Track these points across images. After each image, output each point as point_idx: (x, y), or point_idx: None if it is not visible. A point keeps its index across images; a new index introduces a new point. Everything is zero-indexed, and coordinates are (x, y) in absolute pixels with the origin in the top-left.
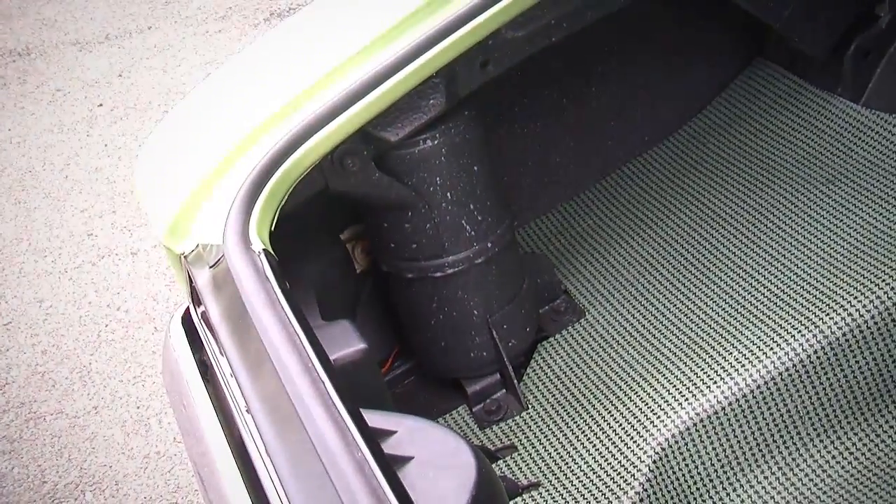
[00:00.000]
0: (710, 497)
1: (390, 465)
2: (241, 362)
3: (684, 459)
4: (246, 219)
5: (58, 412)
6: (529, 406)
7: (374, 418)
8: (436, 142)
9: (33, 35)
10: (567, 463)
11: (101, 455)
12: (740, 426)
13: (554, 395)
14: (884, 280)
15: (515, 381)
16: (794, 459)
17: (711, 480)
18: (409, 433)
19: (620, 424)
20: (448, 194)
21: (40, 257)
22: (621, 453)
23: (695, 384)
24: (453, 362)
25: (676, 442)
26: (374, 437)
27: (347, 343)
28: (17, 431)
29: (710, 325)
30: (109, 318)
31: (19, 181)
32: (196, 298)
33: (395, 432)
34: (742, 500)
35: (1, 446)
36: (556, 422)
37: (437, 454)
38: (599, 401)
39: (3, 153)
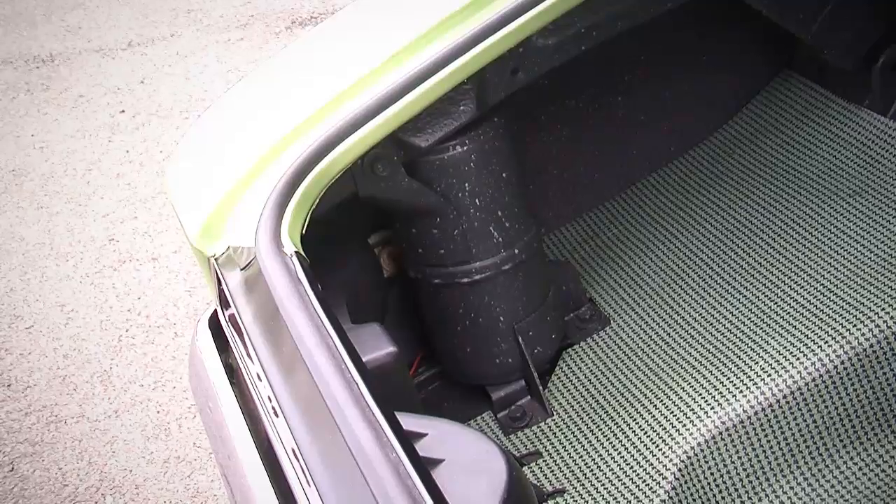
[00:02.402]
0: None
1: (425, 467)
2: (273, 364)
3: (710, 468)
4: (278, 222)
5: (79, 416)
6: (554, 413)
7: (406, 420)
8: (465, 148)
9: (57, 42)
10: (592, 470)
11: (122, 459)
12: (766, 436)
13: (579, 403)
14: None
15: (540, 388)
16: (820, 470)
17: (737, 489)
18: (440, 436)
19: (646, 432)
20: (476, 201)
21: (62, 262)
22: (647, 461)
23: (720, 393)
24: (479, 368)
25: (702, 450)
26: (408, 439)
27: (378, 346)
28: (38, 434)
29: (735, 335)
30: (130, 322)
31: (42, 186)
32: (224, 301)
33: (426, 435)
34: None
35: (23, 449)
36: (581, 429)
37: (469, 457)
38: (625, 408)
39: (26, 158)
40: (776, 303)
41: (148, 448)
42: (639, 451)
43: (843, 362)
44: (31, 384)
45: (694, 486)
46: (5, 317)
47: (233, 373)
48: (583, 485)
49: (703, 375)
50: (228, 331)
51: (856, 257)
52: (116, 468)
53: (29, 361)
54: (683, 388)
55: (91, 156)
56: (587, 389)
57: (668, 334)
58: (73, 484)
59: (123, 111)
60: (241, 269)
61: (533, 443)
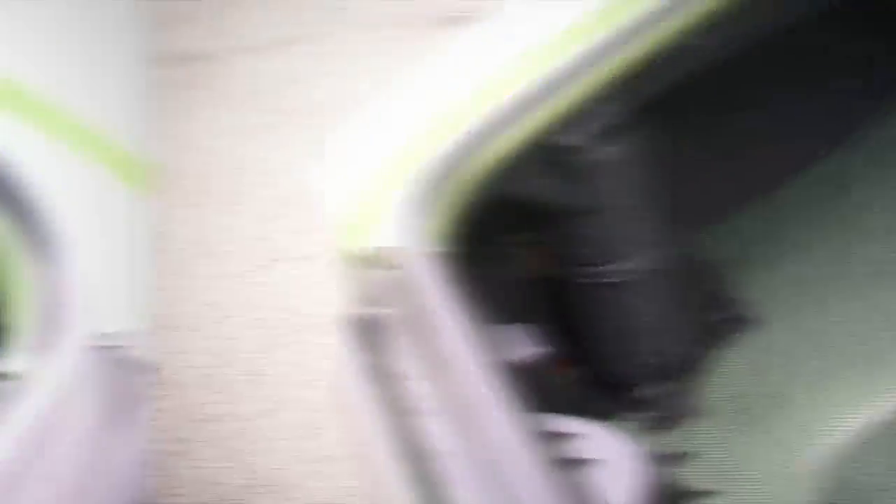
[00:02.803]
0: None
1: (572, 468)
2: (419, 365)
3: (860, 469)
4: (424, 221)
5: (229, 414)
6: (702, 413)
7: (552, 422)
8: (616, 148)
9: (209, 41)
10: (741, 471)
11: (273, 458)
12: None
13: (727, 403)
14: None
15: (687, 390)
16: None
17: (887, 490)
18: (585, 437)
19: (797, 433)
20: (625, 201)
21: (214, 261)
22: (797, 461)
23: (874, 393)
24: (625, 368)
25: (853, 452)
26: (554, 441)
27: (523, 346)
28: (189, 433)
29: (893, 336)
30: (282, 321)
31: (196, 185)
32: (371, 301)
33: (572, 435)
34: None
35: (172, 447)
36: (728, 430)
37: (614, 458)
38: (774, 409)
39: (182, 157)
40: None
41: (300, 447)
42: (789, 451)
43: None
44: (183, 383)
45: (844, 487)
46: (158, 316)
47: (379, 373)
48: (733, 485)
49: (857, 376)
50: (375, 331)
51: None
52: (267, 468)
53: (181, 361)
54: (835, 388)
55: (242, 154)
56: (735, 390)
57: (821, 335)
58: (224, 482)
59: (275, 110)
60: (388, 269)
61: (679, 444)
